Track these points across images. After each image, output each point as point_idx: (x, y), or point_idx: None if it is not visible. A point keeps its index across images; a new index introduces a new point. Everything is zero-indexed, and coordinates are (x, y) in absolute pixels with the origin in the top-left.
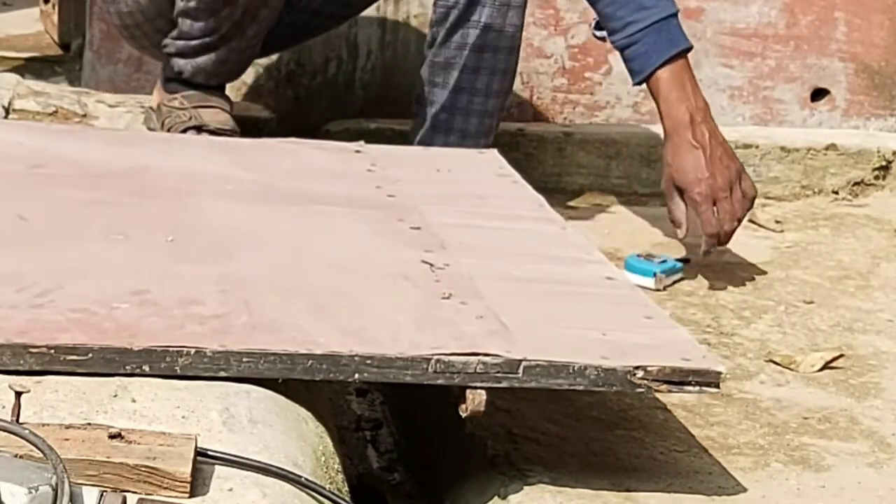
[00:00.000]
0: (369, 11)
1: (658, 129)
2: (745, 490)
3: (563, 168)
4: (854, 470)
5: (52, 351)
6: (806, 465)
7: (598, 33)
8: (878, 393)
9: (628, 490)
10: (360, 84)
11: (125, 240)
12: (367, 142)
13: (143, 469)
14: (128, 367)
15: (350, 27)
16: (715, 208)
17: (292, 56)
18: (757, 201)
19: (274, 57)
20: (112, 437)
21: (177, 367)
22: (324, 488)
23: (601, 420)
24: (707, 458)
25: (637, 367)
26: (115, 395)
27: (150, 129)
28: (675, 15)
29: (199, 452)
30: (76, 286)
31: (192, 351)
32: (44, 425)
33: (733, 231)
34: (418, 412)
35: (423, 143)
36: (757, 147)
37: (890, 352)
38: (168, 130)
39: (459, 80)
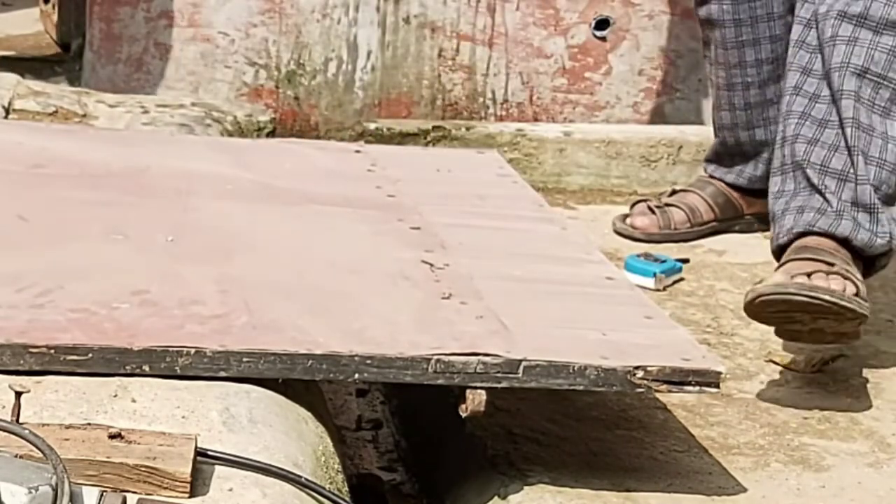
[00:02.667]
0: (369, 11)
1: (657, 128)
2: (745, 490)
3: (563, 168)
4: (854, 470)
5: (52, 351)
6: (806, 465)
7: (598, 33)
8: (878, 393)
9: (628, 490)
10: (360, 84)
11: (125, 240)
12: (367, 142)
13: (143, 469)
14: (128, 367)
15: (350, 27)
16: None
17: (292, 56)
18: None
19: (274, 57)
20: (112, 437)
21: (177, 367)
22: (324, 488)
23: (601, 420)
24: (707, 458)
25: (637, 367)
26: (115, 395)
27: None
28: None
29: (199, 452)
30: (76, 286)
31: (192, 351)
32: (44, 425)
33: None
34: (418, 412)
35: None
36: None
37: (890, 352)
38: None
39: None
